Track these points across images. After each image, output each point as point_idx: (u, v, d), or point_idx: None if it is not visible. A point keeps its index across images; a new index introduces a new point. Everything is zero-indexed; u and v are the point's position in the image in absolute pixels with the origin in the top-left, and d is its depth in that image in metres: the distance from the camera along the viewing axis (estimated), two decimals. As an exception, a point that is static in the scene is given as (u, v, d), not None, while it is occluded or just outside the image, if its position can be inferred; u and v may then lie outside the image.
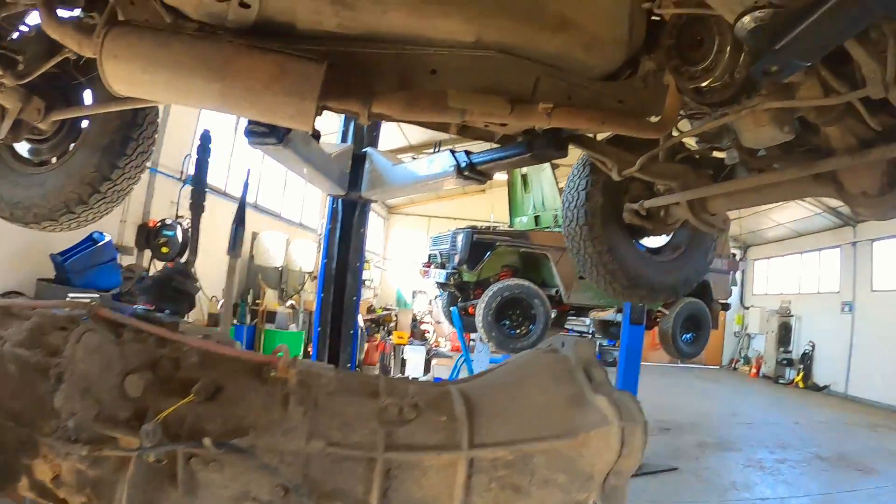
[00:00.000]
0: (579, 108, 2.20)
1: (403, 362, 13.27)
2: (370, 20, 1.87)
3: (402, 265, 22.19)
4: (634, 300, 3.56)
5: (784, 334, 19.82)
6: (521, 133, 2.63)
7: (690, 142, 3.09)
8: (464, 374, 8.91)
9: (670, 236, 3.71)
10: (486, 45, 2.07)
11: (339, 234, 4.84)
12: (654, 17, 2.31)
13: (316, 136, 3.12)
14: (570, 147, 2.68)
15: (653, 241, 3.66)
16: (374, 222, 22.28)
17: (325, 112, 2.07)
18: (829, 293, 18.55)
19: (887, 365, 14.95)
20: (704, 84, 1.98)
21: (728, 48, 1.86)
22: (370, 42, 1.97)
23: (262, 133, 2.75)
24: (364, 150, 4.69)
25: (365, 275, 21.58)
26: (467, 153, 3.07)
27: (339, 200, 4.86)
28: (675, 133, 2.65)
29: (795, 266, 20.91)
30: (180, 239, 8.50)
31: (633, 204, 3.16)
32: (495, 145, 2.86)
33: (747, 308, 22.48)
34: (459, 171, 3.05)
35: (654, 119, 2.41)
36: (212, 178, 8.55)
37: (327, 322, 4.81)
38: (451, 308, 9.80)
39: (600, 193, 3.27)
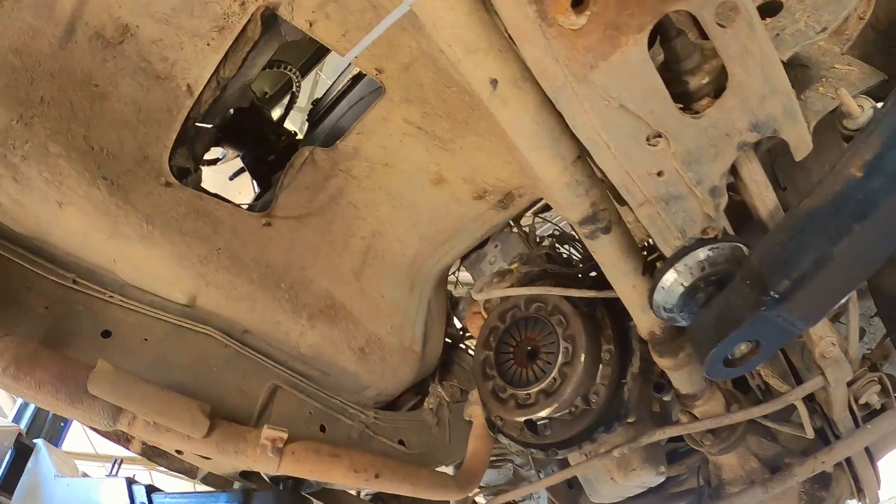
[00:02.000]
0: (335, 448, 1.49)
1: None
2: (41, 214, 1.24)
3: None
4: None
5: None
6: (241, 475, 1.62)
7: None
8: None
9: None
10: (204, 317, 1.40)
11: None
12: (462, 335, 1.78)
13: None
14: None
15: None
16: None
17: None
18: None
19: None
20: (543, 413, 1.37)
21: (582, 355, 1.30)
22: (36, 253, 1.31)
23: None
24: (36, 440, 3.23)
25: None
26: (152, 490, 1.87)
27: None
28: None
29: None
30: None
31: None
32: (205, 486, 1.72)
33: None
34: (132, 518, 1.81)
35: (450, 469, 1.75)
36: None
37: None
38: None
39: None
